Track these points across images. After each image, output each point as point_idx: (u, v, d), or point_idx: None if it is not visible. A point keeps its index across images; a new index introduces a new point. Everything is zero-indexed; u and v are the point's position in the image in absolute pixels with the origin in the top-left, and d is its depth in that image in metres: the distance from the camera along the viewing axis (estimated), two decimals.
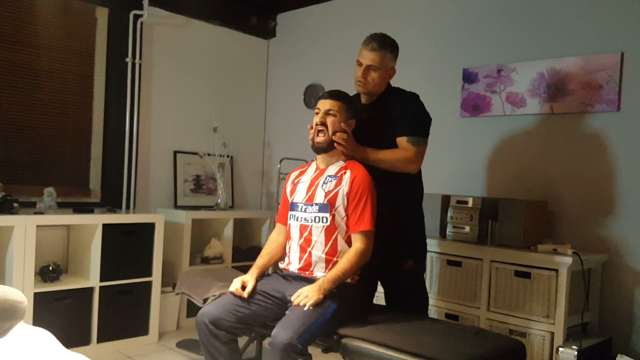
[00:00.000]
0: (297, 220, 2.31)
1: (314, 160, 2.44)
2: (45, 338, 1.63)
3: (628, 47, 2.83)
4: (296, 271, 2.27)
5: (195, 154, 4.17)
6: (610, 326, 2.84)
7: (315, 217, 2.25)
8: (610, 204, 2.87)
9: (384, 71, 2.43)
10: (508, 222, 2.87)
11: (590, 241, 2.91)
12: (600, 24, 2.93)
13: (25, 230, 2.91)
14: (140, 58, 3.88)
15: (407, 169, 2.37)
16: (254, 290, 2.20)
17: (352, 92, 2.51)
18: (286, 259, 2.36)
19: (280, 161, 4.18)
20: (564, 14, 3.05)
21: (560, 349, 2.54)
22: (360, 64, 2.43)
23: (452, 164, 3.46)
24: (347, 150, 2.30)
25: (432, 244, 2.99)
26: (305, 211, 2.28)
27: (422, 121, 2.43)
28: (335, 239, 2.23)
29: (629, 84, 2.83)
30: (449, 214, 3.08)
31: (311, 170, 2.39)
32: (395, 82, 2.55)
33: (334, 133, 2.28)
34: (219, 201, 4.12)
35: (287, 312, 2.05)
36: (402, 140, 2.36)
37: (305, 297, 2.04)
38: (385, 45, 2.41)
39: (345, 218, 2.24)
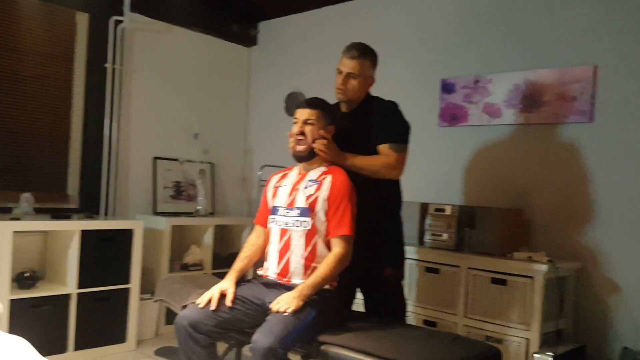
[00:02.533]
0: (277, 224, 2.32)
1: (296, 165, 2.45)
2: (21, 346, 1.62)
3: (601, 60, 2.91)
4: (274, 277, 2.28)
5: (176, 160, 4.15)
6: (584, 333, 2.89)
7: (295, 221, 2.26)
8: (583, 213, 2.94)
9: (364, 79, 2.46)
10: (485, 229, 2.91)
11: (565, 249, 2.97)
12: (575, 37, 3.00)
13: (1, 236, 2.87)
14: (121, 64, 3.86)
15: (389, 175, 2.40)
16: (234, 296, 2.20)
17: (332, 100, 2.53)
18: (264, 264, 2.36)
19: (261, 168, 4.19)
20: (540, 27, 3.13)
21: (536, 355, 2.58)
22: (340, 72, 2.46)
23: (431, 173, 3.50)
24: (329, 157, 2.32)
25: (410, 251, 3.03)
26: (286, 215, 2.29)
27: (402, 128, 2.46)
28: (315, 244, 2.25)
29: (602, 96, 2.91)
30: (427, 221, 3.12)
31: (293, 175, 2.41)
32: (375, 91, 2.58)
33: (313, 141, 2.30)
34: (199, 208, 4.11)
35: (268, 318, 2.06)
36: (383, 147, 2.39)
37: (285, 303, 2.05)
38: (364, 53, 2.45)
39: (325, 223, 2.25)
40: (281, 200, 2.34)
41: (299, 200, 2.28)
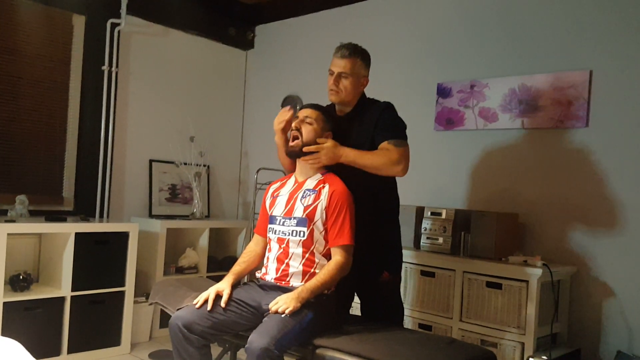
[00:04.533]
0: (275, 233, 2.33)
1: (292, 173, 2.45)
2: (15, 349, 1.61)
3: (596, 65, 2.93)
4: (272, 281, 2.28)
5: (172, 162, 4.15)
6: (579, 337, 2.90)
7: (292, 231, 2.27)
8: (578, 217, 2.95)
9: (356, 79, 2.42)
10: (480, 233, 2.92)
11: (560, 253, 2.98)
12: (570, 42, 3.02)
13: None
14: (117, 66, 3.86)
15: (393, 171, 2.32)
16: (229, 298, 2.20)
17: (328, 103, 2.54)
18: (263, 269, 2.37)
19: (257, 171, 4.19)
20: (535, 32, 3.14)
21: (531, 359, 2.59)
22: (331, 73, 2.44)
23: (427, 176, 3.51)
24: (324, 162, 2.30)
25: (406, 255, 3.02)
26: (283, 224, 2.30)
27: (400, 126, 2.44)
28: (312, 253, 2.25)
29: (597, 101, 2.92)
30: (424, 225, 3.12)
31: (290, 183, 2.41)
32: (371, 94, 2.57)
33: (305, 144, 2.30)
34: (195, 211, 4.10)
35: (264, 319, 2.06)
36: (383, 145, 2.35)
37: (283, 304, 2.05)
38: (355, 52, 2.42)
39: (323, 232, 2.26)
40: (279, 209, 2.34)
41: (297, 210, 2.28)
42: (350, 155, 2.30)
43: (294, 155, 2.35)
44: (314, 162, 2.31)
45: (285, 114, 2.46)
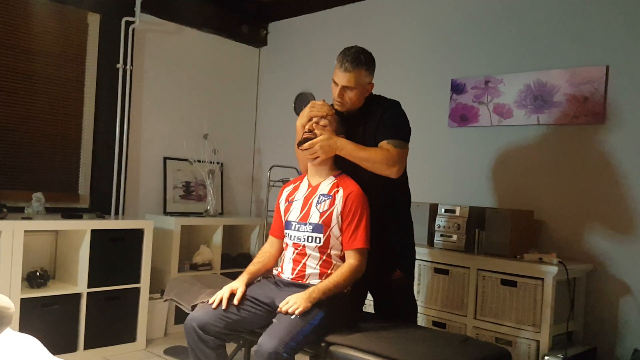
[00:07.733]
0: (290, 239, 2.33)
1: (305, 174, 2.44)
2: (32, 344, 1.63)
3: (613, 60, 2.88)
4: (288, 279, 2.29)
5: (186, 160, 4.17)
6: (595, 335, 2.87)
7: (308, 237, 2.26)
8: (594, 214, 2.91)
9: (360, 89, 2.37)
10: (495, 231, 2.90)
11: (575, 250, 2.95)
12: (586, 37, 2.98)
13: (12, 235, 2.90)
14: (132, 64, 3.88)
15: (388, 172, 2.29)
16: (243, 297, 2.20)
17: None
18: (279, 268, 2.37)
19: (270, 168, 4.19)
20: (551, 27, 3.11)
21: (546, 357, 2.57)
22: (335, 84, 2.37)
23: (441, 173, 3.49)
24: (322, 154, 2.27)
25: (420, 253, 3.01)
26: (298, 230, 2.29)
27: (403, 126, 2.39)
28: (329, 256, 2.26)
29: (614, 97, 2.88)
30: (437, 222, 3.11)
31: (304, 188, 2.39)
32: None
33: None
34: (209, 208, 4.12)
35: (274, 320, 2.06)
36: (383, 144, 2.32)
37: (293, 304, 2.05)
38: (358, 63, 2.32)
39: (339, 237, 2.25)
40: (294, 214, 2.34)
41: (313, 215, 2.27)
42: (346, 147, 2.28)
43: (305, 141, 2.30)
44: (312, 156, 2.29)
45: (324, 107, 2.38)
